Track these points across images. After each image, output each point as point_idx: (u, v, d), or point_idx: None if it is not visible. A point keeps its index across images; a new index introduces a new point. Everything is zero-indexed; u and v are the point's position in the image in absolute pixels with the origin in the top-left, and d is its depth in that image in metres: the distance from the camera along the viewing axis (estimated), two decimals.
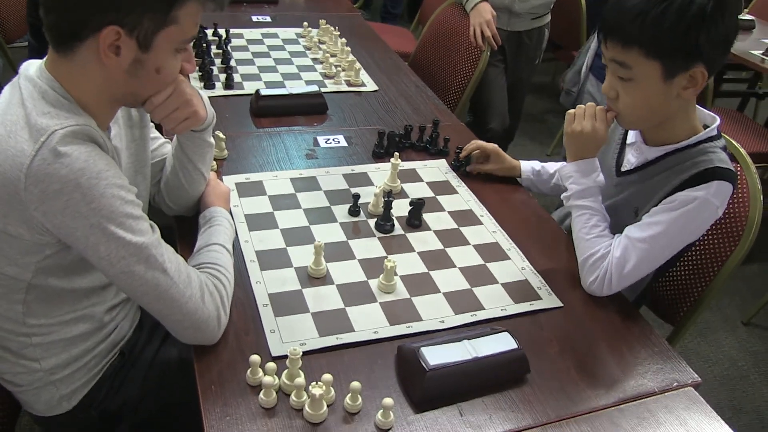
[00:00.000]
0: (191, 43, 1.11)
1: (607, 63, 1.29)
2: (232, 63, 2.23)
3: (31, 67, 1.05)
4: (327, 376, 1.04)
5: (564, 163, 1.45)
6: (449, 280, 1.37)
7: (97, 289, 1.20)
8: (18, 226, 1.00)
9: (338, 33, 2.53)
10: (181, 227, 1.42)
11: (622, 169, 1.44)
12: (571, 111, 1.39)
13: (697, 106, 1.34)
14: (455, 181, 1.73)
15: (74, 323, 1.19)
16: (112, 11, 0.96)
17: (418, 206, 1.51)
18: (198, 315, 1.09)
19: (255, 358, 1.08)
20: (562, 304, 1.34)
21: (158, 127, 1.48)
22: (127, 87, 1.05)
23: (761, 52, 3.12)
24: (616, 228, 1.39)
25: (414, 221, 1.53)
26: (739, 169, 1.57)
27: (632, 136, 1.44)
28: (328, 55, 2.37)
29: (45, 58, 1.05)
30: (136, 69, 1.03)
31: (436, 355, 1.09)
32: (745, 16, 3.57)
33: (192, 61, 1.13)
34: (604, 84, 1.32)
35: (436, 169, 1.76)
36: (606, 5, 1.27)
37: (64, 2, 0.97)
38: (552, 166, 1.72)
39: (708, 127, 1.34)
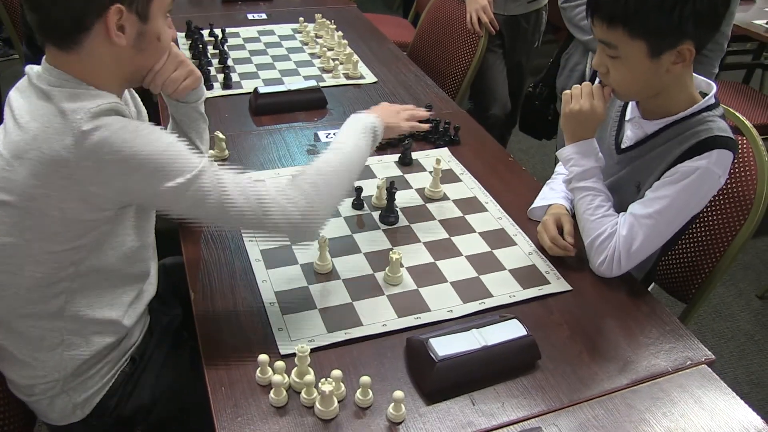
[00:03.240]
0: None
1: (597, 40, 1.28)
2: (230, 62, 2.23)
3: (35, 68, 1.09)
4: (336, 372, 1.04)
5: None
6: (456, 268, 1.36)
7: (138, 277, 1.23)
8: (76, 208, 1.04)
9: (334, 26, 2.52)
10: (186, 233, 1.42)
11: (622, 146, 1.43)
12: (568, 91, 1.38)
13: (693, 73, 1.33)
14: (458, 168, 1.72)
15: (101, 333, 1.20)
16: None
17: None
18: (266, 224, 1.12)
19: (264, 357, 1.07)
20: (570, 288, 1.33)
21: None
22: (134, 63, 1.11)
23: (765, 21, 3.08)
24: (619, 206, 1.38)
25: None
26: (745, 142, 1.55)
27: (630, 111, 1.42)
28: (325, 49, 2.36)
29: (44, 58, 1.08)
30: (141, 41, 1.08)
31: (445, 346, 1.08)
32: None
33: (172, 26, 1.19)
34: (595, 59, 1.32)
35: (438, 158, 1.75)
36: None
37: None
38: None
39: (704, 94, 1.32)
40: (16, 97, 1.09)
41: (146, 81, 1.18)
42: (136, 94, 1.34)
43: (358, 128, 1.32)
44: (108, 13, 1.01)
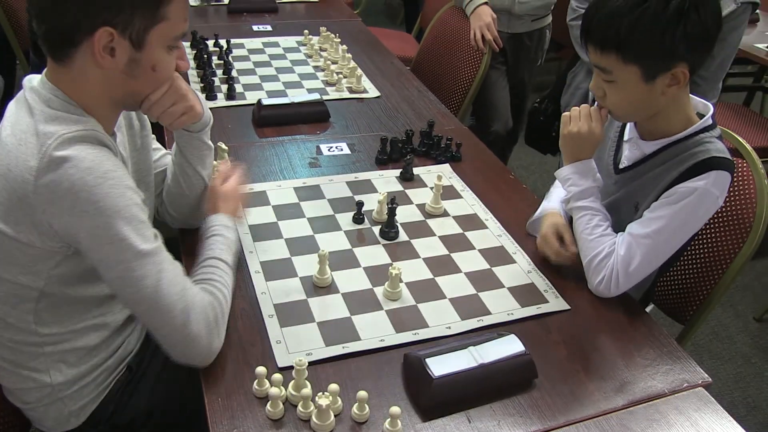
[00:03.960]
0: (182, 40, 1.13)
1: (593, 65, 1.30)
2: (234, 73, 2.24)
3: (34, 80, 1.08)
4: (333, 386, 1.04)
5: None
6: (455, 285, 1.36)
7: (107, 298, 1.20)
8: (29, 233, 1.03)
9: (339, 40, 2.53)
10: (186, 240, 1.43)
11: (620, 167, 1.44)
12: (566, 113, 1.40)
13: (690, 95, 1.34)
14: (459, 185, 1.72)
15: (86, 332, 1.19)
16: (102, 13, 0.98)
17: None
18: (185, 332, 1.07)
19: (261, 369, 1.07)
20: (569, 307, 1.33)
21: (159, 140, 1.49)
22: (126, 87, 1.08)
23: (766, 45, 3.10)
24: (617, 226, 1.38)
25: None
26: (745, 165, 1.56)
27: (628, 132, 1.44)
28: (329, 62, 2.37)
29: (45, 70, 1.08)
30: (133, 68, 1.05)
31: (441, 364, 1.08)
32: None
33: (185, 58, 1.16)
34: (592, 83, 1.34)
35: (440, 174, 1.76)
36: (588, 7, 1.28)
37: (54, 8, 0.99)
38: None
39: (701, 114, 1.34)
40: (11, 108, 1.09)
41: (143, 108, 1.15)
42: None
43: (235, 247, 1.28)
44: (96, 33, 0.99)
